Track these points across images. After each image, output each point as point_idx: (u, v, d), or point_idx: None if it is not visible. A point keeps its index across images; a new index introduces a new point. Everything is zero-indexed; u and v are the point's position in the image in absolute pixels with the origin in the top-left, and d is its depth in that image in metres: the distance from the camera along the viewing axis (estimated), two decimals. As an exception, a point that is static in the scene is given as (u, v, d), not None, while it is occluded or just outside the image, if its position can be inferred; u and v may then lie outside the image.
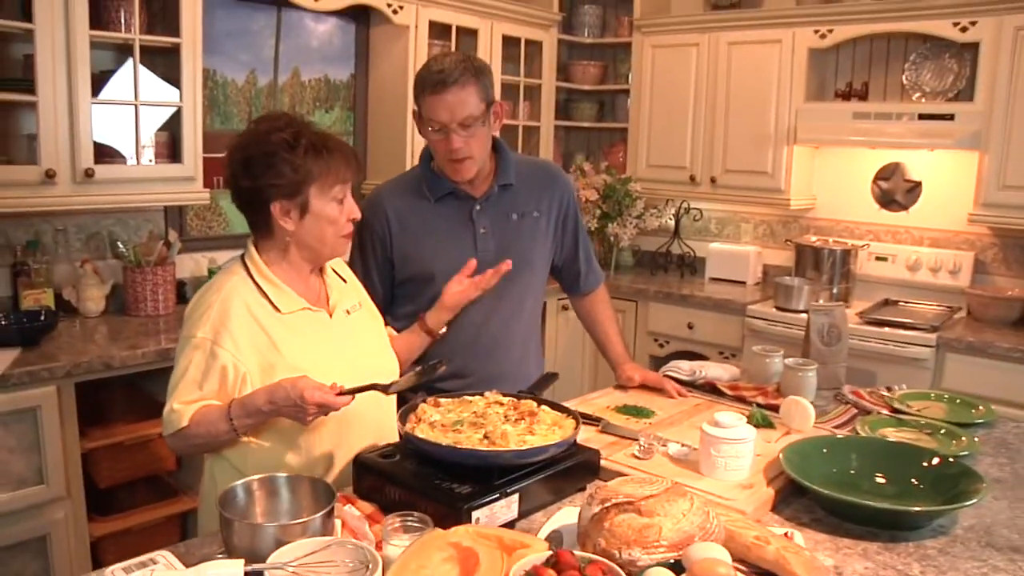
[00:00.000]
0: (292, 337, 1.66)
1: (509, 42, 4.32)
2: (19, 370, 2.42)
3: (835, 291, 3.89)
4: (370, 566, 1.15)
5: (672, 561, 1.22)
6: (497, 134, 2.14)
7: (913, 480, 1.67)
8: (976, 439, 1.95)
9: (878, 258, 4.04)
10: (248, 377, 1.61)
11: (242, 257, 1.74)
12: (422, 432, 1.56)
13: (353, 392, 1.56)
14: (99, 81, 2.92)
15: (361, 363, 1.71)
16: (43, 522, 2.53)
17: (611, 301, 2.47)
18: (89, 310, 3.06)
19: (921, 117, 3.59)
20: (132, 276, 3.12)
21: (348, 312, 1.80)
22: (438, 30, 3.97)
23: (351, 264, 2.16)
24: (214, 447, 1.65)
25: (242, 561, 1.16)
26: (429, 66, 1.99)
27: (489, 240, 2.12)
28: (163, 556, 1.20)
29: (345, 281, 1.87)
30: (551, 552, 1.20)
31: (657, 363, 2.52)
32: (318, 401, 1.50)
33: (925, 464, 1.69)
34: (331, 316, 1.76)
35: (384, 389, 1.62)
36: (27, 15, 2.63)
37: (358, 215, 1.75)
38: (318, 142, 1.66)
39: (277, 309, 1.67)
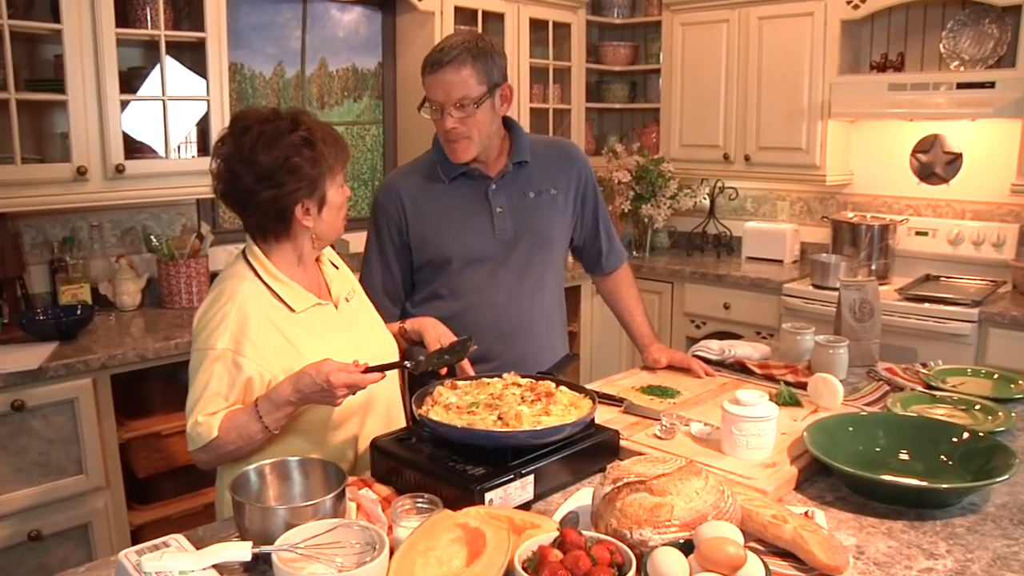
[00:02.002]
0: (308, 336, 1.63)
1: (537, 25, 4.28)
2: (56, 363, 2.47)
3: (874, 267, 3.81)
4: (377, 547, 1.15)
5: (683, 541, 1.20)
6: (509, 114, 2.11)
7: (942, 457, 1.62)
8: (1013, 415, 1.88)
9: (918, 233, 3.93)
10: (274, 383, 1.57)
11: (244, 258, 1.67)
12: (437, 415, 1.55)
13: (382, 369, 1.55)
14: (127, 78, 2.96)
15: (369, 349, 1.68)
16: (84, 511, 2.60)
17: (636, 281, 2.43)
18: (125, 304, 3.11)
19: (960, 86, 3.47)
20: (166, 269, 3.17)
21: (347, 300, 1.78)
22: (464, 16, 3.94)
23: (367, 252, 2.15)
24: (246, 452, 1.57)
25: (250, 544, 1.17)
26: (436, 45, 1.98)
27: (506, 219, 2.10)
28: (175, 540, 1.21)
29: (336, 268, 1.84)
30: (558, 532, 1.19)
31: (693, 344, 2.48)
32: (344, 382, 1.48)
33: (955, 440, 1.64)
34: (337, 307, 1.74)
35: (413, 368, 1.61)
36: (56, 16, 2.68)
37: (349, 192, 1.73)
38: (322, 130, 1.62)
39: (292, 309, 1.63)
